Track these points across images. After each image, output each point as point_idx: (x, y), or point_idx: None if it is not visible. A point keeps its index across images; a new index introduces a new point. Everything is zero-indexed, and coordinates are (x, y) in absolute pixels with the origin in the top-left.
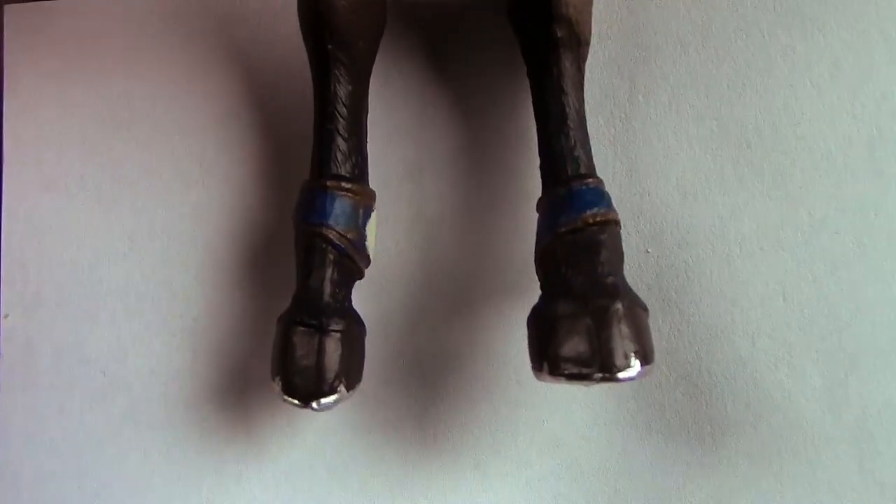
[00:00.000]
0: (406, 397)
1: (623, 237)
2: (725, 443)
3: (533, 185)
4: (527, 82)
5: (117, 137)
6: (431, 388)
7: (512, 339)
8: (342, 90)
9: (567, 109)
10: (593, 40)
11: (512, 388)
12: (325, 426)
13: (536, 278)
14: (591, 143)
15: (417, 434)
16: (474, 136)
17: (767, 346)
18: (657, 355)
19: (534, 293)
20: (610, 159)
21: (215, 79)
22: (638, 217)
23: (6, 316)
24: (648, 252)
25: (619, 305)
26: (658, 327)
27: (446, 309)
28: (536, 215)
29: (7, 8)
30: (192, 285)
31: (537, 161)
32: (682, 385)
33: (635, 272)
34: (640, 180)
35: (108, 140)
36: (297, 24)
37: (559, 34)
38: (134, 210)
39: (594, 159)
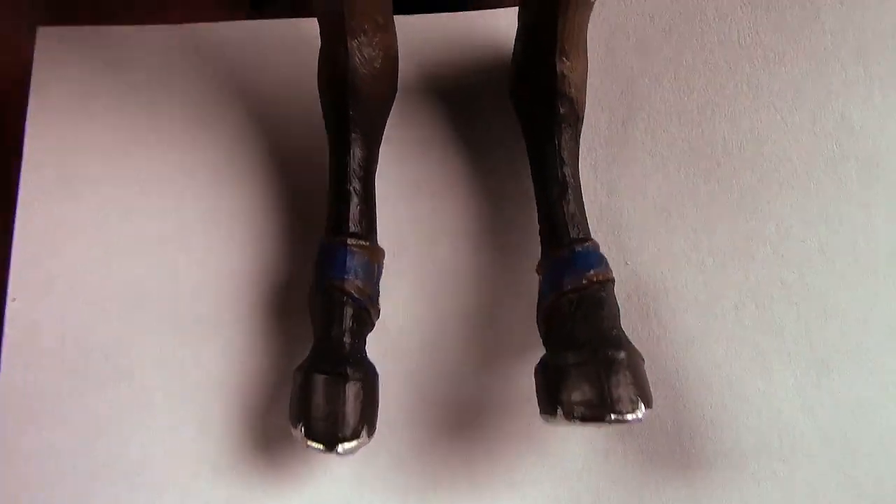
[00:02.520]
0: (397, 401)
1: (604, 251)
2: (703, 444)
3: (533, 245)
4: (524, 154)
5: (135, 148)
6: (420, 395)
7: (501, 348)
8: (360, 153)
9: (568, 179)
10: None
11: (498, 394)
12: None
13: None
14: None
15: (407, 437)
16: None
17: (742, 351)
18: None
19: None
20: (591, 181)
21: (233, 99)
22: (617, 232)
23: (14, 299)
24: (627, 264)
25: (623, 355)
26: (637, 335)
27: (441, 323)
28: (535, 274)
29: (40, 29)
30: (198, 285)
31: (535, 223)
32: (661, 389)
33: (616, 284)
34: (618, 199)
35: (126, 149)
36: (301, 57)
37: (562, 111)
38: (147, 214)
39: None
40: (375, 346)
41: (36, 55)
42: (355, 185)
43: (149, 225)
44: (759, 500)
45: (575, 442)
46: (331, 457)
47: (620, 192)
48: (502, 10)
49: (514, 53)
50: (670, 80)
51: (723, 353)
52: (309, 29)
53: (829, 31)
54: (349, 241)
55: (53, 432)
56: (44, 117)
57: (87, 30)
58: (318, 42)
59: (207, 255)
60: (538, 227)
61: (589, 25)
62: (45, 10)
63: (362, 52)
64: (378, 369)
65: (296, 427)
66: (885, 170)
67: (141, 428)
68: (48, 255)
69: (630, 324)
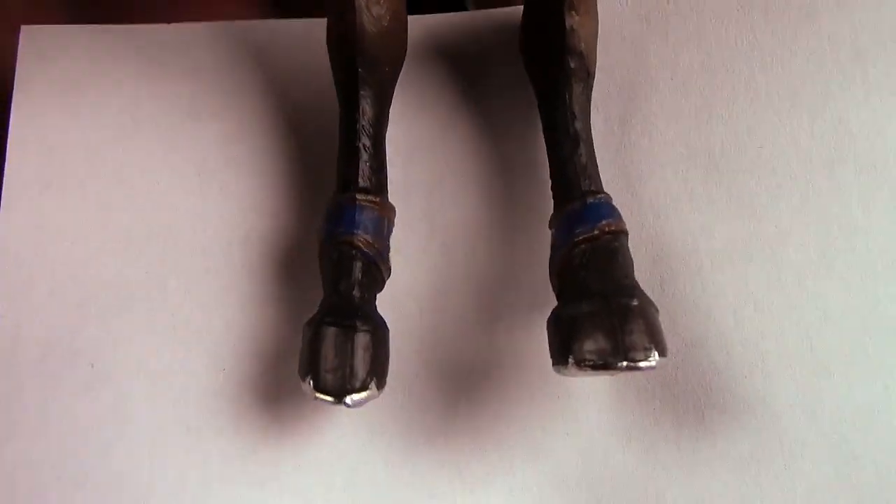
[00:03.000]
0: (390, 405)
1: None
2: (703, 449)
3: (544, 202)
4: (536, 111)
5: (119, 146)
6: (415, 398)
7: (494, 350)
8: (369, 111)
9: (579, 133)
10: None
11: (494, 398)
12: (310, 428)
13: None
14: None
15: (402, 441)
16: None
17: (741, 355)
18: None
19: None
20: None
21: (219, 97)
22: None
23: None
24: None
25: (636, 303)
26: None
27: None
28: (548, 232)
29: (23, 28)
30: (185, 287)
31: (547, 182)
32: (659, 394)
33: None
34: (614, 201)
35: (109, 147)
36: (291, 55)
37: (572, 65)
38: (131, 214)
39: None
40: (384, 302)
41: (20, 54)
42: (365, 141)
43: (133, 224)
44: None
45: (573, 447)
46: (339, 409)
47: (616, 196)
48: None
49: (524, 8)
50: (666, 83)
51: (722, 358)
52: (295, 28)
53: (826, 33)
54: (358, 196)
55: (35, 443)
56: (27, 117)
57: (72, 28)
58: (299, 43)
59: (197, 256)
60: (550, 182)
61: None
62: (59, 8)
63: (370, 9)
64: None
65: (304, 380)
66: (883, 173)
67: (125, 435)
68: (29, 255)
69: None
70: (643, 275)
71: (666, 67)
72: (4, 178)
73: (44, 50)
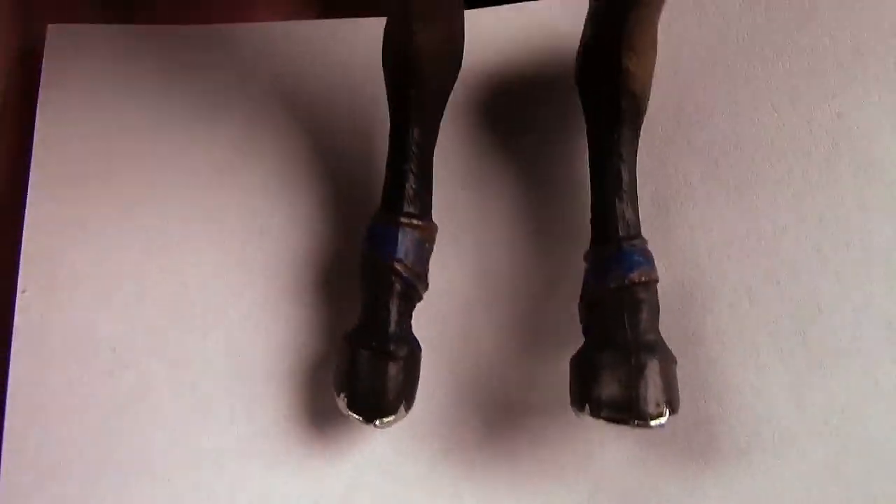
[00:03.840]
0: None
1: None
2: (698, 439)
3: (581, 231)
4: (584, 142)
5: (142, 143)
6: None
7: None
8: (418, 132)
9: (623, 175)
10: None
11: (496, 390)
12: (322, 417)
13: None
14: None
15: (407, 432)
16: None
17: (736, 347)
18: None
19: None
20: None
21: (241, 97)
22: None
23: (24, 291)
24: None
25: (655, 360)
26: None
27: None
28: (583, 263)
29: (50, 27)
30: (205, 279)
31: (587, 212)
32: None
33: None
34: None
35: (132, 145)
36: (313, 55)
37: (623, 106)
38: (153, 210)
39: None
40: (418, 323)
41: (46, 53)
42: (412, 164)
43: (154, 220)
44: (752, 494)
45: (571, 438)
46: (368, 428)
47: None
48: None
49: (582, 35)
50: (668, 78)
51: (717, 350)
52: (320, 29)
53: (827, 29)
54: (402, 219)
55: (60, 426)
56: (53, 115)
57: (98, 28)
58: (323, 44)
59: (214, 249)
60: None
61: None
62: (102, 7)
63: (426, 32)
64: (421, 344)
65: (339, 395)
66: (880, 170)
67: (146, 419)
68: (54, 247)
69: None
70: None
71: (667, 62)
72: (31, 174)
73: (70, 48)
